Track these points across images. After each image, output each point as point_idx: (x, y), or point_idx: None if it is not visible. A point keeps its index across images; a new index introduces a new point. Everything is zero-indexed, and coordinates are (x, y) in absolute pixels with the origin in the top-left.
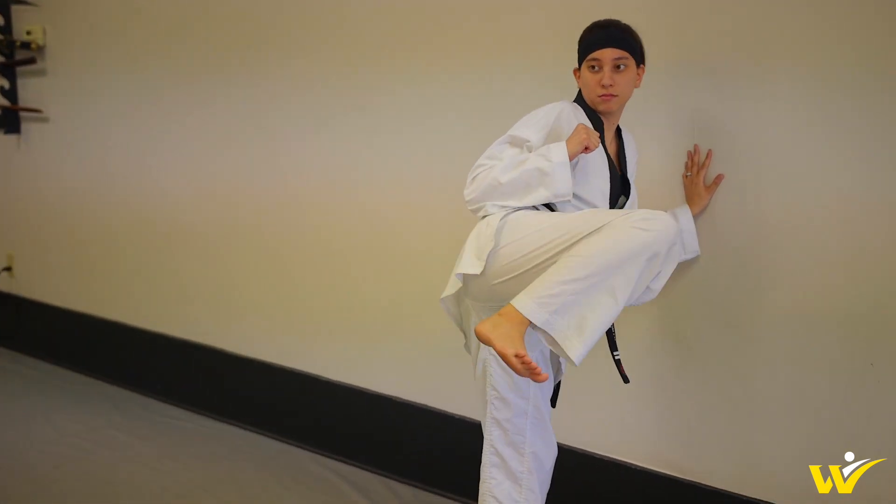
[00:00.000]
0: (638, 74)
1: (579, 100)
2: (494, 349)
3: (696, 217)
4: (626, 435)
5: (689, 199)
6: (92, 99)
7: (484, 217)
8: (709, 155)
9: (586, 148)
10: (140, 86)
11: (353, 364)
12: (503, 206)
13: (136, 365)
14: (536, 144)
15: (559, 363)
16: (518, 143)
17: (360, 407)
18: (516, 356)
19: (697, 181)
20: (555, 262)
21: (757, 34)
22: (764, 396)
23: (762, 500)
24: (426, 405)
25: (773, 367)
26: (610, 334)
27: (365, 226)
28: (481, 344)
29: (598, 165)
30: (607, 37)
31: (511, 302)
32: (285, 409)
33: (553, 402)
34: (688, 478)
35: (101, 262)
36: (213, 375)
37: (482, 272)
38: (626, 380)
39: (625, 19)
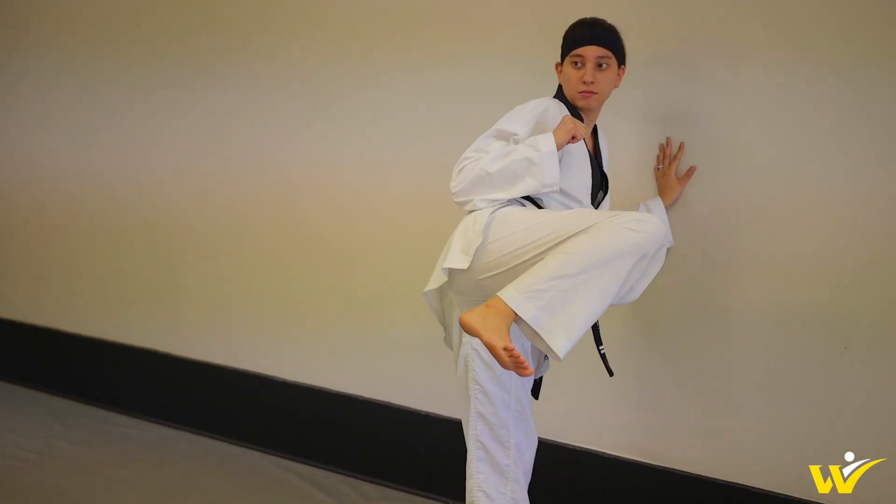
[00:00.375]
0: (618, 75)
1: (559, 95)
2: (482, 340)
3: (668, 209)
4: (600, 426)
5: (662, 190)
6: (25, 97)
7: (471, 212)
8: (681, 147)
9: (573, 137)
10: (80, 80)
11: (308, 363)
12: (492, 201)
13: (72, 372)
14: (523, 137)
15: (543, 356)
16: (504, 136)
17: (317, 406)
18: (505, 349)
19: (669, 173)
20: (543, 258)
21: (730, 27)
22: (739, 383)
23: (738, 484)
24: (386, 402)
25: (747, 353)
26: (595, 328)
27: (324, 220)
28: (463, 338)
29: (580, 160)
30: (592, 35)
31: (499, 294)
32: (238, 411)
33: (535, 394)
34: (663, 464)
35: (30, 266)
36: (158, 380)
37: (469, 267)
38: (610, 373)
39: (599, 11)
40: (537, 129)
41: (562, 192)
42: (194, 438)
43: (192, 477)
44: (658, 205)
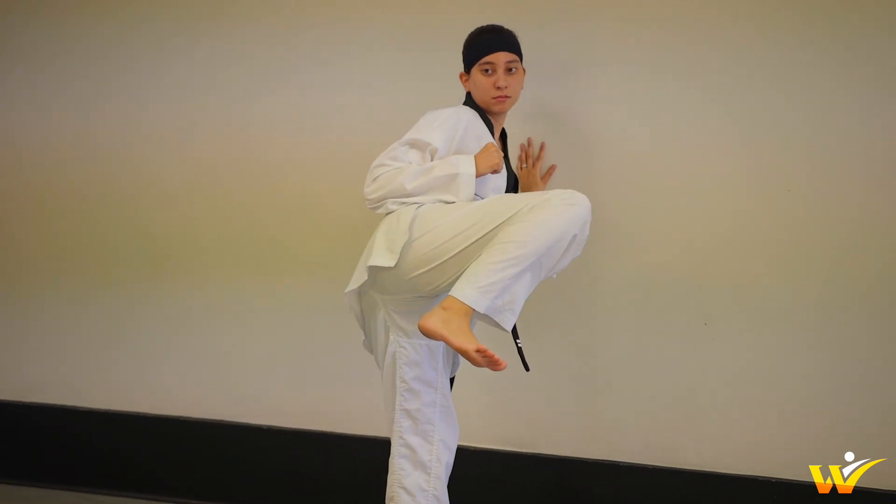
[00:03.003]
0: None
1: (469, 102)
2: (452, 345)
3: None
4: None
5: (526, 189)
6: None
7: (388, 213)
8: (542, 147)
9: (494, 171)
10: None
11: (81, 384)
12: (402, 203)
13: None
14: (441, 150)
15: (454, 357)
16: (421, 146)
17: (107, 431)
18: (478, 351)
19: (534, 172)
20: (472, 250)
21: (588, 24)
22: (604, 365)
23: (607, 461)
24: (178, 416)
25: (610, 337)
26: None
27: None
28: (390, 336)
29: None
30: (500, 41)
31: (453, 294)
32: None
33: None
34: (530, 451)
35: None
36: None
37: (396, 265)
38: (527, 368)
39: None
40: (454, 140)
41: (478, 196)
42: None
43: None
44: None
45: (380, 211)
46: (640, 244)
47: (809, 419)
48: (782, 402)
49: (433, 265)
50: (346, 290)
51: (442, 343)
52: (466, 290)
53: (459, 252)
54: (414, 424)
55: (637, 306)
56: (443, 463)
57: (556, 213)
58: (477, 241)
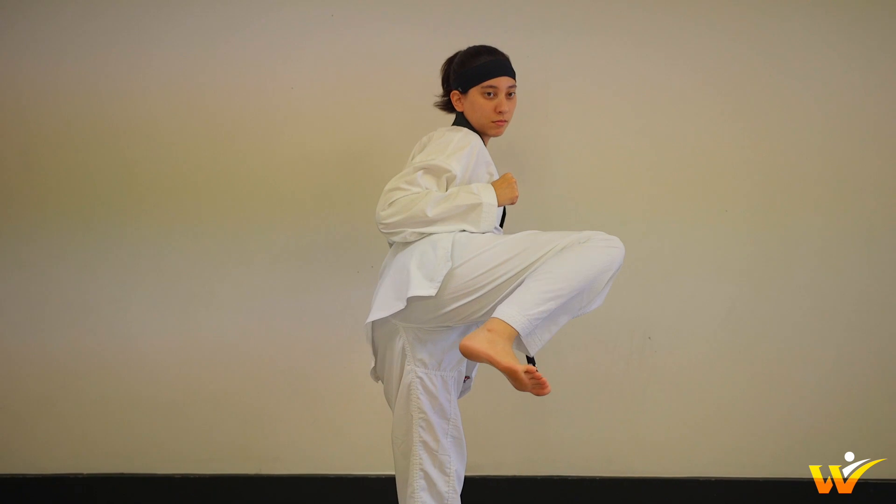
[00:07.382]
0: None
1: (461, 122)
2: (499, 366)
3: None
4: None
5: None
6: None
7: (406, 242)
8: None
9: (511, 203)
10: None
11: None
12: (420, 233)
13: None
14: (458, 177)
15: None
16: (437, 172)
17: None
18: (527, 372)
19: None
20: (512, 282)
21: (535, 57)
22: (552, 384)
23: (555, 476)
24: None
25: (561, 356)
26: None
27: None
28: (406, 367)
29: None
30: (502, 65)
31: (499, 317)
32: None
33: None
34: (477, 474)
35: None
36: None
37: (436, 294)
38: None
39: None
40: (469, 168)
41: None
42: None
43: None
44: None
45: (396, 239)
46: None
47: (738, 423)
48: (721, 407)
49: (474, 296)
50: (369, 320)
51: (454, 375)
52: (516, 316)
53: (501, 283)
54: (431, 456)
55: (585, 327)
56: (457, 495)
57: (597, 252)
58: (519, 272)
